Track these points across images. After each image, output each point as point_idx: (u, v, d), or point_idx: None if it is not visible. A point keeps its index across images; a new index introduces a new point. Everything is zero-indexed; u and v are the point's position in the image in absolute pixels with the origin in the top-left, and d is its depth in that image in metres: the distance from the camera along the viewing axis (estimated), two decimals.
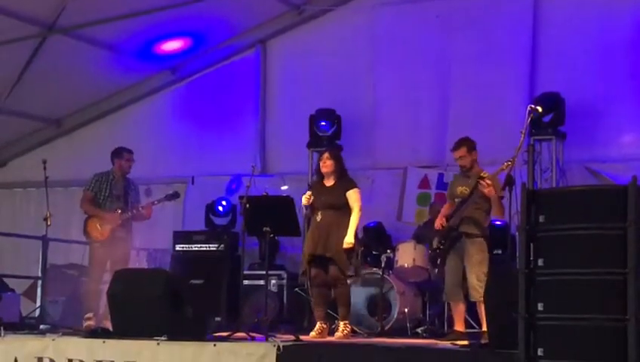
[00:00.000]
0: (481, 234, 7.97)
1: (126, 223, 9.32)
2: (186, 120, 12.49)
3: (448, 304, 9.50)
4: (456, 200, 8.24)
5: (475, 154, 8.22)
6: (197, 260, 10.69)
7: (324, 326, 8.11)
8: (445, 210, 8.41)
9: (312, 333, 8.00)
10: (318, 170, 8.40)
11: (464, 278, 8.04)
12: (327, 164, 8.22)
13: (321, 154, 8.48)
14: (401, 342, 7.94)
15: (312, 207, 8.17)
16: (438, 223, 8.28)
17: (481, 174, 7.96)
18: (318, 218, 8.10)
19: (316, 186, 8.35)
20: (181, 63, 12.54)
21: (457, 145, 8.25)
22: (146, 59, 12.09)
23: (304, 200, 8.18)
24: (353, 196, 8.14)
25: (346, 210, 8.11)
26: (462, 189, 8.17)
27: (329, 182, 8.25)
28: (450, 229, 8.11)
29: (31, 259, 10.69)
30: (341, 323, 8.12)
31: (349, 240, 7.99)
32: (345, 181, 8.24)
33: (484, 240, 7.98)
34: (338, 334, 8.04)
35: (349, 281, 8.28)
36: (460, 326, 8.09)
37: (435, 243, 8.41)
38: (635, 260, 5.11)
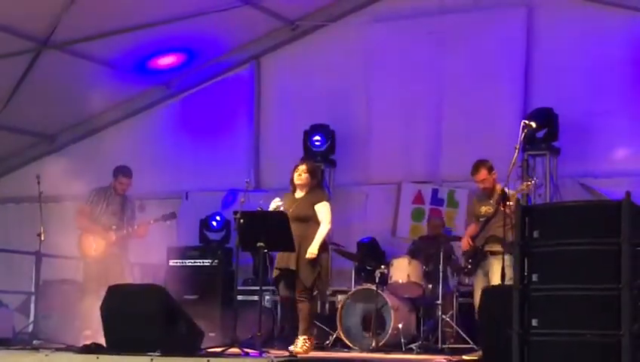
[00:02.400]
0: (506, 250, 7.94)
1: (121, 240, 9.31)
2: (180, 135, 12.49)
3: (442, 319, 9.52)
4: (480, 220, 8.25)
5: (494, 174, 8.20)
6: (191, 275, 10.67)
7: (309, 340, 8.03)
8: (471, 230, 8.42)
9: (293, 348, 7.81)
10: (292, 181, 8.13)
11: None
12: (302, 177, 8.01)
13: (296, 165, 8.18)
14: (396, 357, 7.92)
15: None
16: (465, 244, 8.30)
17: (503, 190, 7.93)
18: None
19: (287, 198, 8.13)
20: (175, 79, 12.56)
21: (476, 169, 8.22)
22: (140, 74, 12.10)
23: (272, 205, 7.98)
24: (322, 209, 7.93)
25: (314, 222, 7.92)
26: (486, 209, 8.19)
27: (299, 194, 8.09)
28: (476, 249, 8.12)
29: (24, 275, 10.67)
30: (300, 338, 7.87)
31: (312, 250, 7.77)
32: (315, 193, 8.04)
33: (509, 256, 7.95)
34: (297, 349, 7.75)
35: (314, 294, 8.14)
36: None
37: (463, 263, 8.43)
38: (628, 275, 5.11)
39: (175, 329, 7.06)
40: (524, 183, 7.87)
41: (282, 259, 7.95)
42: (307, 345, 7.85)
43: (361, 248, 10.54)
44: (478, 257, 8.14)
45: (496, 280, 7.88)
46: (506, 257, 7.94)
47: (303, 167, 8.09)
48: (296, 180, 8.05)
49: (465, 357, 7.49)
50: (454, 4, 11.17)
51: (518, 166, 7.79)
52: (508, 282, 7.65)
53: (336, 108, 11.58)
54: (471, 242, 8.22)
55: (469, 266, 8.26)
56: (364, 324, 9.54)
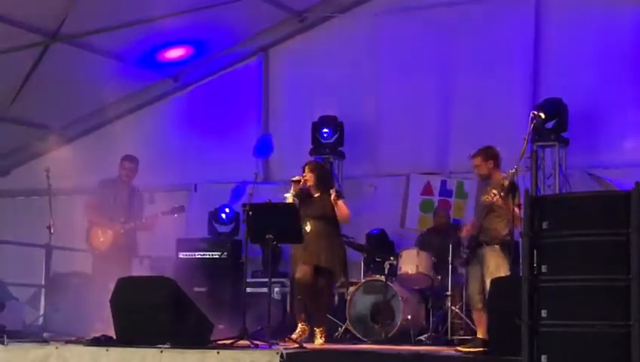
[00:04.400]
0: (499, 241, 7.90)
1: (129, 232, 9.33)
2: (189, 127, 12.48)
3: (452, 311, 9.51)
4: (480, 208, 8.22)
5: (491, 163, 8.10)
6: (200, 267, 10.68)
7: (307, 327, 8.13)
8: (475, 219, 8.37)
9: (294, 335, 7.94)
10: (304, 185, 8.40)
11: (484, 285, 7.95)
12: (307, 177, 8.28)
13: (303, 168, 8.47)
14: (405, 349, 7.92)
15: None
16: (464, 231, 8.26)
17: (504, 183, 7.89)
18: (308, 228, 8.15)
19: (303, 196, 8.34)
20: (183, 71, 12.56)
21: (476, 153, 8.19)
22: (148, 67, 12.11)
23: (298, 178, 8.26)
24: (343, 207, 8.19)
25: (334, 219, 8.21)
26: (484, 198, 8.14)
27: (315, 193, 8.31)
28: (472, 238, 8.09)
29: (34, 267, 10.68)
30: (318, 330, 8.15)
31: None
32: (335, 190, 8.27)
33: (502, 247, 7.90)
34: (318, 341, 8.06)
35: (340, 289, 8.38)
36: (482, 334, 7.83)
37: (461, 252, 8.41)
38: (638, 266, 5.10)
39: (184, 321, 7.08)
40: (510, 170, 7.78)
41: (310, 257, 8.13)
42: (324, 333, 8.16)
43: (370, 240, 10.54)
44: (473, 245, 8.07)
45: (490, 271, 7.78)
46: (497, 247, 7.90)
47: (306, 168, 8.38)
48: (307, 183, 8.29)
49: (473, 349, 7.47)
50: None
51: (527, 157, 7.74)
52: (501, 273, 7.63)
53: (344, 99, 11.57)
54: (470, 230, 8.18)
55: (465, 256, 8.20)
56: (373, 316, 9.55)
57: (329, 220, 8.18)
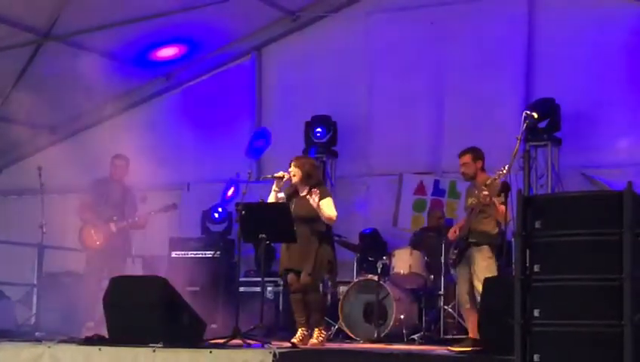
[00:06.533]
0: (487, 241, 7.90)
1: (122, 231, 9.32)
2: (182, 127, 12.47)
3: (444, 310, 9.52)
4: (466, 211, 8.23)
5: (479, 164, 8.13)
6: (193, 267, 10.66)
7: (306, 332, 7.85)
8: (461, 222, 8.36)
9: (294, 340, 7.72)
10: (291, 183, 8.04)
11: (473, 285, 7.94)
12: (292, 173, 7.91)
13: (290, 162, 8.06)
14: (398, 348, 7.93)
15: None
16: (451, 233, 8.26)
17: (487, 182, 7.90)
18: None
19: (292, 195, 8.04)
20: (176, 70, 12.56)
21: (463, 152, 8.21)
22: (141, 66, 12.10)
23: (281, 174, 7.92)
24: (326, 204, 7.80)
25: (319, 220, 7.82)
26: (471, 201, 8.14)
27: (302, 192, 7.97)
28: (460, 239, 8.09)
29: (26, 267, 10.68)
30: (315, 330, 7.86)
31: (329, 212, 7.73)
32: (318, 190, 7.89)
33: (491, 248, 7.91)
34: (312, 341, 7.78)
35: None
36: (474, 334, 7.75)
37: (450, 253, 8.40)
38: (630, 266, 5.11)
39: (177, 321, 7.08)
40: (501, 169, 7.77)
41: (290, 260, 7.89)
42: (322, 336, 7.90)
43: (363, 239, 10.54)
44: (461, 246, 8.06)
45: (478, 273, 7.77)
46: (486, 248, 7.90)
47: (292, 164, 8.00)
48: (293, 180, 7.95)
49: (464, 349, 7.48)
50: None
51: (519, 157, 7.75)
52: (490, 274, 7.63)
53: (337, 98, 11.58)
54: (457, 231, 8.17)
55: (454, 257, 8.19)
56: (366, 315, 9.56)
57: (312, 221, 7.80)
